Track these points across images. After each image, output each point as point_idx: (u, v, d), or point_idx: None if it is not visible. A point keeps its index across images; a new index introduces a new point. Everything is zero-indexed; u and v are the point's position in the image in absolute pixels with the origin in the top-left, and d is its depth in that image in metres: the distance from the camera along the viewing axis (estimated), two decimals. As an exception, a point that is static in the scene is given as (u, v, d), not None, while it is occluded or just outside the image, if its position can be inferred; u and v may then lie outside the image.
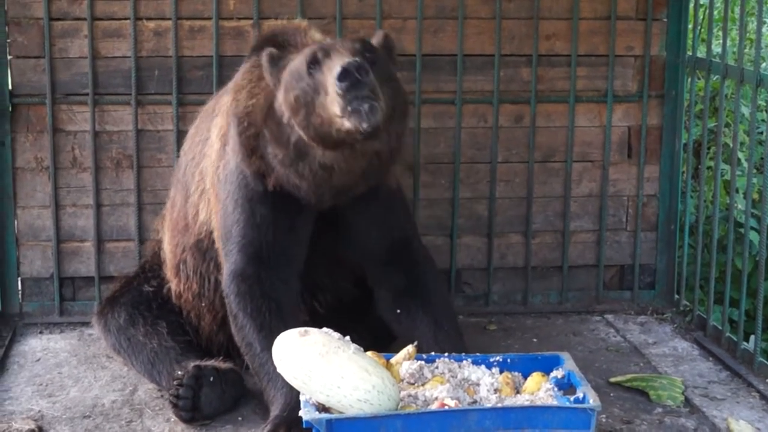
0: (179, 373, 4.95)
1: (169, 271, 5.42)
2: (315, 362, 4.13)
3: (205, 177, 5.14)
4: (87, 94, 6.00)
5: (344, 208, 4.90)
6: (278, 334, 4.39)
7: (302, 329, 4.28)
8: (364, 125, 4.29)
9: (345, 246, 5.05)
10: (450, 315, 5.18)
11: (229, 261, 4.91)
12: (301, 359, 4.16)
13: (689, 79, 6.28)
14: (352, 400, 4.09)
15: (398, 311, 5.08)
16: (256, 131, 4.73)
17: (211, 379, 4.91)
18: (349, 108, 4.28)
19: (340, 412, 4.14)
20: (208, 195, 5.11)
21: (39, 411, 5.03)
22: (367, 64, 4.35)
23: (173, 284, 5.39)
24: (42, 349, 5.77)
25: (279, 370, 4.29)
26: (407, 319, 5.10)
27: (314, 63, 4.47)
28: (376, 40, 4.77)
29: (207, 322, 5.30)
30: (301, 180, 4.67)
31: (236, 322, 4.87)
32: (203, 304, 5.26)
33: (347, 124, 4.30)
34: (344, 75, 4.27)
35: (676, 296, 6.41)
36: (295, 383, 4.23)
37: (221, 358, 5.12)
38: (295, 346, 4.20)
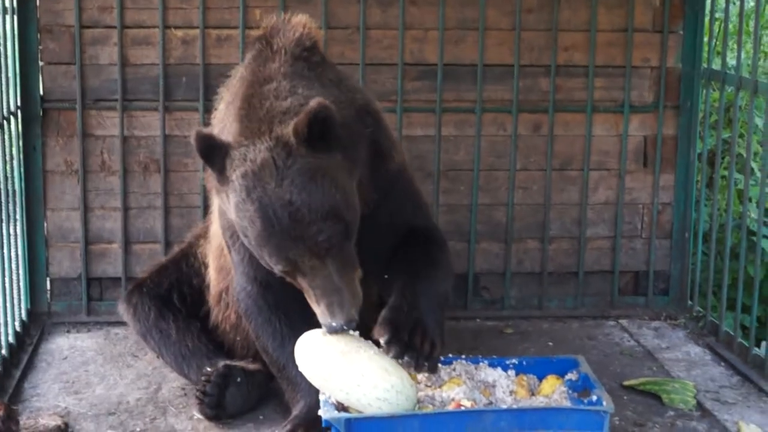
0: (208, 369, 4.99)
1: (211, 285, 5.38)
2: (336, 360, 4.16)
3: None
4: (116, 100, 6.09)
5: None
6: (291, 340, 4.45)
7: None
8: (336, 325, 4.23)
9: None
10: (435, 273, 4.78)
11: (236, 278, 4.88)
12: (323, 357, 4.20)
13: (704, 91, 6.36)
14: (371, 399, 4.13)
15: (385, 276, 4.74)
16: None
17: (239, 379, 4.94)
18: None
19: (359, 411, 4.19)
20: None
21: (65, 407, 5.10)
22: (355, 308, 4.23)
23: (213, 279, 5.31)
24: (69, 348, 5.86)
25: (300, 368, 4.32)
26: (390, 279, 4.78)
27: None
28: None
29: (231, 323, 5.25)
30: None
31: (252, 333, 4.87)
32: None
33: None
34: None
35: (690, 302, 6.47)
36: (316, 381, 4.28)
37: (250, 360, 5.12)
38: (317, 345, 4.24)
